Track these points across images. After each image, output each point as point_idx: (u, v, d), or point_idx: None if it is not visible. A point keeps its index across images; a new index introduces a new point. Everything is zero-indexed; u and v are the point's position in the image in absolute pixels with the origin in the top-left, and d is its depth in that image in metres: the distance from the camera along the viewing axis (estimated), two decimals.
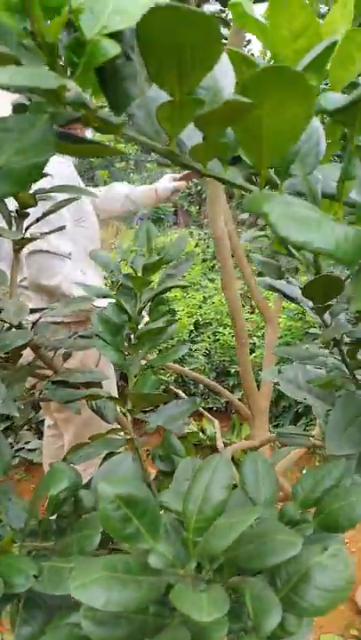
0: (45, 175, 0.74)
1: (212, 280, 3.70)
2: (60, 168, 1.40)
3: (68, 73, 0.24)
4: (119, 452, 0.62)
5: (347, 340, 0.65)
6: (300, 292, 0.66)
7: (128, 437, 0.64)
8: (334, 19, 0.35)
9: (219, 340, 2.48)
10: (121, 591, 0.32)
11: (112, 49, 0.22)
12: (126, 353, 0.72)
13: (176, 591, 0.31)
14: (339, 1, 0.34)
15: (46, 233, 0.81)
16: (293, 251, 0.59)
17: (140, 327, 0.71)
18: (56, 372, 0.84)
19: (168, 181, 1.67)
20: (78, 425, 1.41)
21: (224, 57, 0.29)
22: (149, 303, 0.77)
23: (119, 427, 1.07)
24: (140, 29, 0.21)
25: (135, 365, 0.71)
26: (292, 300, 0.65)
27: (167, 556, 0.35)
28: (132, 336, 0.73)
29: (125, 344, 0.73)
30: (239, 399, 1.59)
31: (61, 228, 0.84)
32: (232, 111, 0.21)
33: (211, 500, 0.36)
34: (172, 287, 0.74)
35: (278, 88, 0.21)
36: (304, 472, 0.49)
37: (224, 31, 1.44)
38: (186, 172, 1.83)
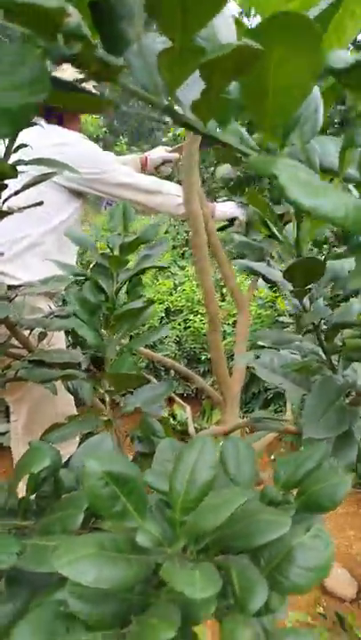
0: (25, 146, 0.71)
1: (182, 267, 3.70)
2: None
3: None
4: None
5: (324, 325, 0.66)
6: (279, 275, 0.66)
7: (105, 419, 0.64)
8: None
9: (190, 327, 2.48)
10: (111, 568, 0.31)
11: None
12: (103, 334, 0.71)
13: (167, 568, 0.31)
14: None
15: (24, 208, 0.78)
16: (276, 232, 0.59)
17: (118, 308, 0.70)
18: (31, 352, 0.82)
19: (160, 151, 1.66)
20: (30, 406, 1.38)
21: (227, 9, 0.28)
22: (126, 284, 0.76)
23: (72, 407, 1.05)
24: None
25: (112, 347, 0.70)
26: (271, 282, 0.65)
27: (154, 534, 0.35)
28: (109, 317, 0.72)
29: (102, 325, 0.72)
30: (210, 385, 1.60)
31: (40, 204, 0.81)
32: (241, 58, 0.20)
33: (197, 480, 0.35)
34: (150, 268, 0.73)
35: (288, 34, 0.20)
36: (278, 457, 0.49)
37: None
38: (178, 145, 1.79)
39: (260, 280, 1.74)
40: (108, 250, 0.75)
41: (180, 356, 2.41)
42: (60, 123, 1.45)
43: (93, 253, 0.76)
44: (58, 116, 1.45)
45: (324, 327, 0.63)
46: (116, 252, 0.74)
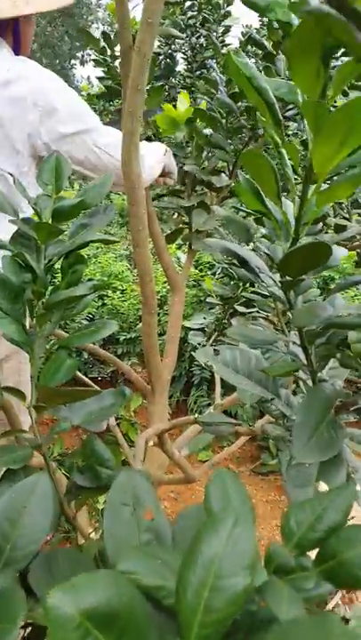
0: None
1: None
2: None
3: None
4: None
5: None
6: (259, 261, 0.54)
7: (32, 443, 0.48)
8: None
9: (106, 304, 2.30)
10: None
11: None
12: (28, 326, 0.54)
13: None
14: None
15: None
16: (275, 210, 0.46)
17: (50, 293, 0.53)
18: None
19: None
20: None
21: None
22: (59, 260, 0.60)
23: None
24: None
25: (40, 343, 0.54)
26: (251, 270, 0.53)
27: None
28: (37, 303, 0.55)
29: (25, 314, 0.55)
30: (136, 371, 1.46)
31: None
32: None
33: (225, 588, 0.22)
34: (96, 241, 0.57)
35: None
36: (289, 506, 0.37)
37: None
38: None
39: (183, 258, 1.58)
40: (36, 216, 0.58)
41: None
42: (17, 43, 1.04)
43: (14, 218, 0.58)
44: (14, 32, 1.03)
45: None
46: (46, 219, 0.57)
